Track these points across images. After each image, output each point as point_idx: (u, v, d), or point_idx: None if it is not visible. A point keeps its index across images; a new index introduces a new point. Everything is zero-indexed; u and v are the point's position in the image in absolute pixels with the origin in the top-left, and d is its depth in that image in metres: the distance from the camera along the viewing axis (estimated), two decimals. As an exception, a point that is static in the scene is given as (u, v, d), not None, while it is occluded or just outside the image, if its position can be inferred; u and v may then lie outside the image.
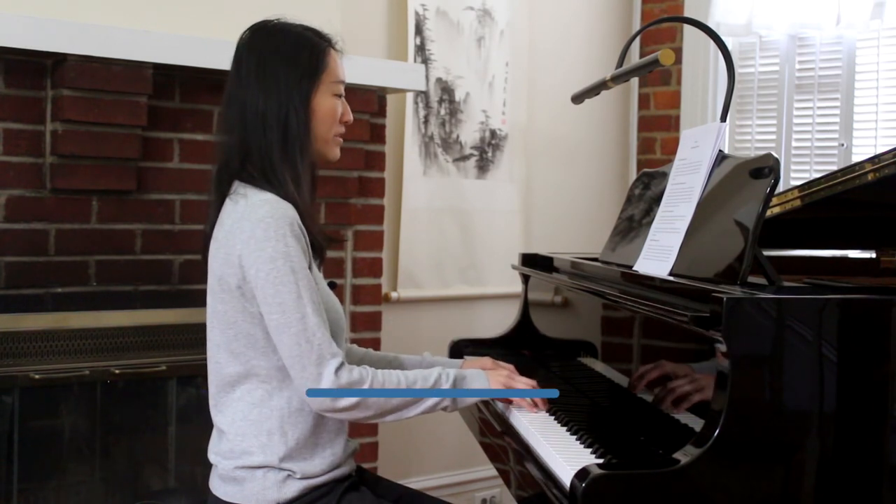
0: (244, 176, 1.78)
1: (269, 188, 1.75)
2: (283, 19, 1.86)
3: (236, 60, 1.83)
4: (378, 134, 3.09)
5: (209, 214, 1.85)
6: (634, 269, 2.05)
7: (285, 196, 1.75)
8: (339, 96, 1.85)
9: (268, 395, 1.76)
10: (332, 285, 1.91)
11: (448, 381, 1.79)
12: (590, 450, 1.67)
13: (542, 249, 2.73)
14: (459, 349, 2.51)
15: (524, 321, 2.59)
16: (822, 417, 1.51)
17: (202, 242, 1.86)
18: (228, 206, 1.78)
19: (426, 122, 3.45)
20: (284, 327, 1.68)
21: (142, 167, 2.63)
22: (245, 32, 1.86)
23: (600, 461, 1.60)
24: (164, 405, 2.65)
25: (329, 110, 1.82)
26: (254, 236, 1.69)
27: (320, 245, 1.85)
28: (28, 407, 2.42)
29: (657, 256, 1.97)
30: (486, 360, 2.01)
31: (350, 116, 1.88)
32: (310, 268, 1.75)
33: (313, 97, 1.80)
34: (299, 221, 1.73)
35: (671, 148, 3.83)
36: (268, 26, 1.84)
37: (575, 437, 1.75)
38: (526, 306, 2.60)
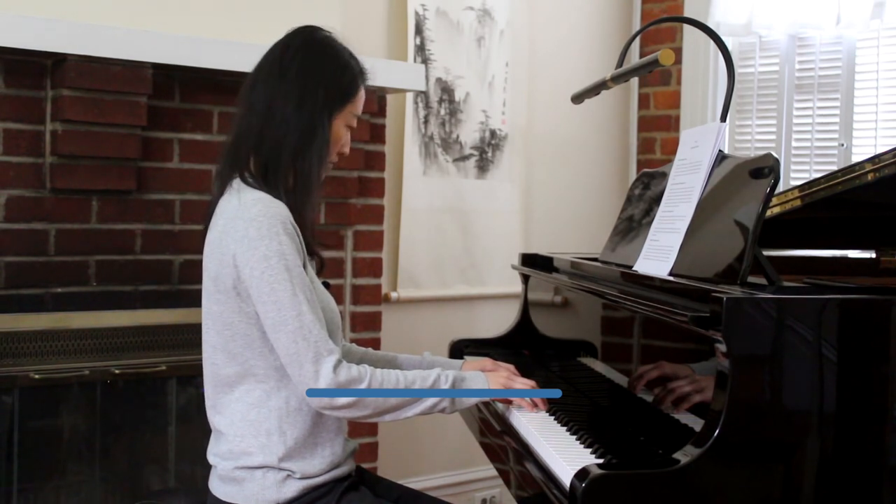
0: (245, 172, 1.79)
1: (263, 188, 1.76)
2: (332, 35, 1.88)
3: (280, 53, 1.84)
4: (378, 134, 3.09)
5: (209, 206, 1.85)
6: (634, 269, 2.05)
7: (277, 197, 1.75)
8: (350, 128, 1.89)
9: (266, 395, 1.76)
10: (325, 285, 1.91)
11: (447, 382, 1.79)
12: (590, 450, 1.67)
13: (542, 249, 2.73)
14: (459, 349, 2.52)
15: (524, 321, 2.59)
16: (822, 417, 1.51)
17: (201, 237, 1.86)
18: (223, 203, 1.79)
19: (426, 122, 3.45)
20: (281, 325, 1.68)
21: (142, 167, 2.63)
22: (297, 30, 1.87)
23: (600, 461, 1.60)
24: (164, 405, 2.65)
25: (337, 137, 1.86)
26: (247, 235, 1.69)
27: (316, 251, 1.86)
28: (28, 407, 2.42)
29: (657, 256, 1.97)
30: (486, 361, 2.02)
31: (348, 149, 1.91)
32: (304, 266, 1.75)
33: (334, 120, 1.83)
34: (291, 220, 1.74)
35: (671, 148, 3.83)
36: (319, 36, 1.86)
37: (575, 437, 1.75)
38: (526, 306, 2.60)
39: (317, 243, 1.87)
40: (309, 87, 1.80)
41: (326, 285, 1.92)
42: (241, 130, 1.83)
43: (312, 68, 1.81)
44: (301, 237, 1.77)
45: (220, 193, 1.82)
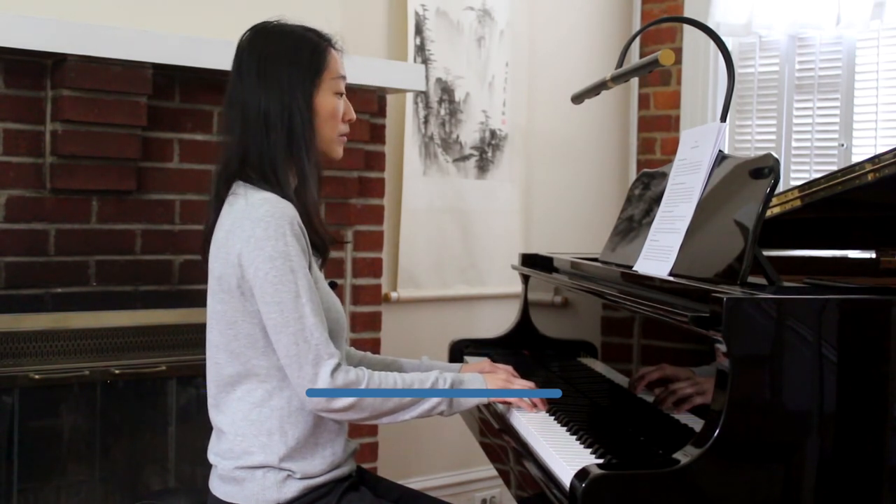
0: (243, 177, 1.79)
1: (268, 188, 1.76)
2: (283, 20, 1.86)
3: (237, 61, 1.83)
4: (378, 134, 3.09)
5: (208, 215, 1.85)
6: (634, 269, 2.05)
7: (285, 196, 1.75)
8: (341, 94, 1.85)
9: (268, 394, 1.76)
10: (332, 285, 1.91)
11: (445, 384, 1.79)
12: (590, 450, 1.67)
13: (542, 249, 2.73)
14: (459, 349, 2.51)
15: (524, 321, 2.59)
16: (822, 417, 1.51)
17: (201, 242, 1.86)
18: (226, 207, 1.78)
19: (426, 122, 3.45)
20: (282, 327, 1.68)
21: (142, 167, 2.63)
22: (245, 33, 1.86)
23: (600, 461, 1.60)
24: (164, 405, 2.65)
25: (331, 109, 1.83)
26: (254, 235, 1.69)
27: (323, 244, 1.85)
28: (28, 407, 2.42)
29: (657, 256, 1.97)
30: (485, 363, 2.02)
31: (353, 115, 1.88)
32: (310, 267, 1.75)
33: (315, 96, 1.81)
34: (299, 220, 1.74)
35: (671, 148, 3.83)
36: (268, 27, 1.85)
37: (575, 437, 1.75)
38: (526, 306, 2.59)
39: (329, 238, 1.86)
40: (270, 76, 1.78)
41: (333, 285, 1.91)
42: (228, 147, 1.82)
43: (268, 58, 1.79)
44: (308, 237, 1.77)
45: (220, 203, 1.81)
